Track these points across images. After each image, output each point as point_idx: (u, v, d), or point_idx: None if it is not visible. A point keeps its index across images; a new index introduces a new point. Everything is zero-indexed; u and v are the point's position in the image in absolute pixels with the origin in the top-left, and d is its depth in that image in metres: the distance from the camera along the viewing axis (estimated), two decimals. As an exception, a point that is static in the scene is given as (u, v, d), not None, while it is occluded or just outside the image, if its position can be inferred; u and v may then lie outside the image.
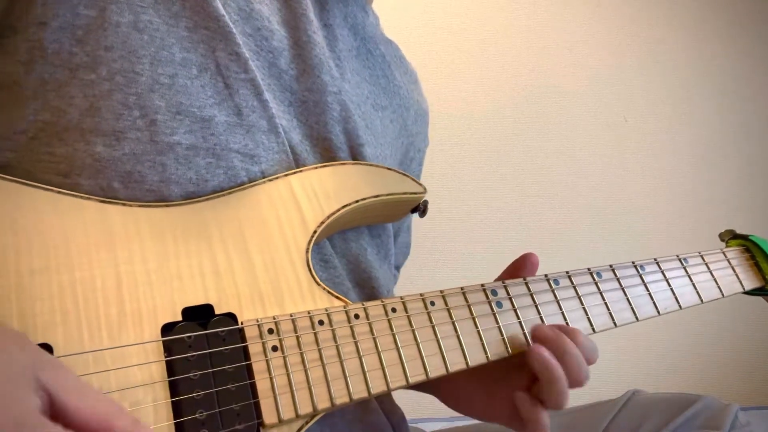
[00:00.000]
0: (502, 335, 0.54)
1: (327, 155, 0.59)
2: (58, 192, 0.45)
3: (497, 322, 0.54)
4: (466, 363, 0.52)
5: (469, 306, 0.54)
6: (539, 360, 0.52)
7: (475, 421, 0.78)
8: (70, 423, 0.33)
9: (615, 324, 0.60)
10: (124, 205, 0.46)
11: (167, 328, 0.44)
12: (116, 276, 0.44)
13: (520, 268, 0.59)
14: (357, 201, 0.56)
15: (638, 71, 1.80)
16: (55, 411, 0.33)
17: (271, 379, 0.45)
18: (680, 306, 0.65)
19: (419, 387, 0.68)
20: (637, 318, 0.61)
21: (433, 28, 1.60)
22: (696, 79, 1.86)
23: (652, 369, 1.63)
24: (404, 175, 0.60)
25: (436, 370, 0.50)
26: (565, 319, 0.57)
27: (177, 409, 0.42)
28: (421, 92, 0.78)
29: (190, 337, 0.44)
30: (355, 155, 0.61)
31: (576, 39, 1.74)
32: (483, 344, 0.53)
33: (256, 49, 0.56)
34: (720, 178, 1.82)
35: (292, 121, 0.57)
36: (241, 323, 0.46)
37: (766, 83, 1.92)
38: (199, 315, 0.45)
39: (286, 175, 0.54)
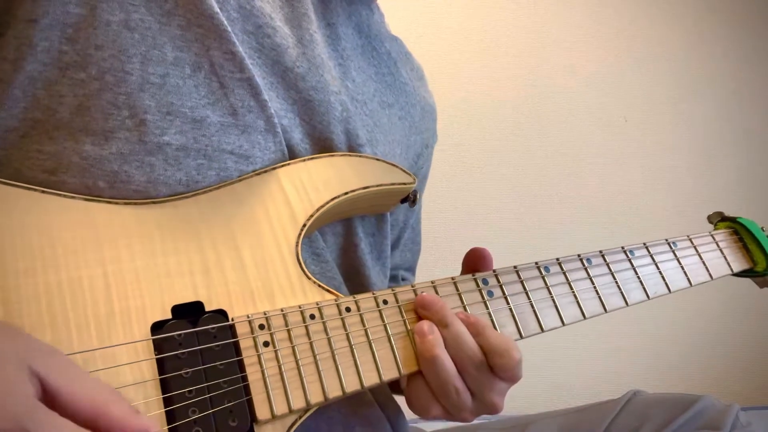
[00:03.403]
0: (493, 324, 0.54)
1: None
2: (42, 191, 0.44)
3: (488, 309, 0.54)
4: None
5: (460, 295, 0.54)
6: (420, 351, 0.50)
7: (476, 422, 0.77)
8: (64, 410, 0.33)
9: (605, 310, 0.60)
10: (109, 203, 0.46)
11: (157, 327, 0.44)
12: (104, 275, 0.43)
13: (473, 262, 0.58)
14: (346, 193, 0.55)
15: (638, 71, 1.79)
16: (48, 398, 0.33)
17: (263, 374, 0.44)
18: (669, 289, 0.65)
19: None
20: (627, 303, 0.61)
21: (433, 28, 1.59)
22: (696, 78, 1.85)
23: (652, 369, 1.63)
24: (393, 165, 0.60)
25: None
26: (555, 305, 0.57)
27: (169, 408, 0.41)
28: (427, 88, 0.77)
29: (180, 334, 0.43)
30: None
31: (576, 39, 1.74)
32: None
33: (258, 47, 0.55)
34: (720, 178, 1.81)
35: (294, 119, 0.57)
36: (232, 319, 0.46)
37: (765, 83, 1.91)
38: (189, 312, 0.45)
39: (273, 168, 0.54)
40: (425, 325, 0.50)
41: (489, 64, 1.64)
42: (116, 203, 0.46)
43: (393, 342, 0.50)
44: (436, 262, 1.48)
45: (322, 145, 0.58)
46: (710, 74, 1.86)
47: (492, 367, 0.50)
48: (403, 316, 0.51)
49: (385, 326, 0.50)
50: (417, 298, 0.51)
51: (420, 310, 0.51)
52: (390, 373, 0.49)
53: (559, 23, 1.73)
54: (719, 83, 1.87)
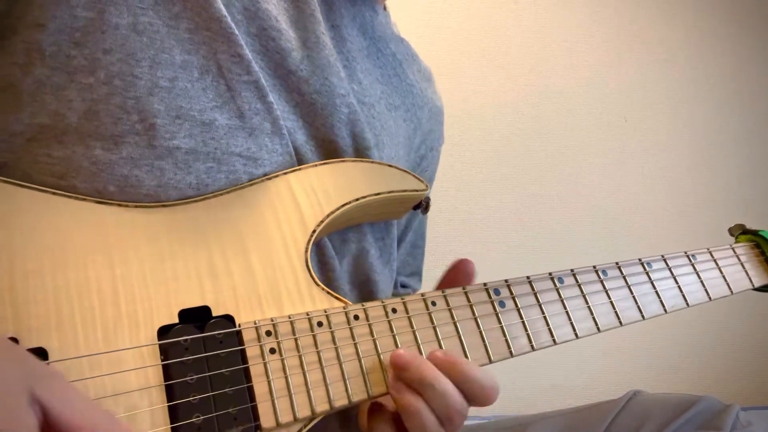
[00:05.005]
0: (504, 336, 0.53)
1: (332, 157, 0.58)
2: (53, 193, 0.44)
3: (500, 322, 0.54)
4: None
5: (471, 306, 0.53)
6: (400, 406, 0.47)
7: (475, 422, 0.77)
8: None
9: (621, 323, 0.59)
10: (119, 205, 0.46)
11: (163, 331, 0.44)
12: (112, 278, 0.43)
13: (456, 277, 0.57)
14: (357, 199, 0.55)
15: (638, 71, 1.79)
16: (48, 425, 0.33)
17: (268, 382, 0.44)
18: (688, 304, 0.64)
19: None
20: (643, 317, 0.60)
21: (432, 28, 1.59)
22: (696, 78, 1.85)
23: (652, 369, 1.63)
24: (405, 171, 0.60)
25: None
26: (569, 318, 0.56)
27: (173, 414, 0.41)
28: (434, 89, 0.77)
29: (186, 340, 0.43)
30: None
31: (576, 39, 1.74)
32: (485, 345, 0.52)
33: (262, 50, 0.55)
34: (720, 178, 1.81)
35: (297, 121, 0.57)
36: (239, 325, 0.45)
37: (765, 83, 1.91)
38: (196, 317, 0.45)
39: (285, 173, 0.54)
40: (409, 399, 0.46)
41: (489, 64, 1.64)
42: (126, 206, 0.46)
43: (402, 352, 0.49)
44: (436, 262, 1.48)
45: (327, 148, 0.58)
46: (710, 74, 1.86)
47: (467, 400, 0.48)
48: (412, 327, 0.51)
49: (393, 336, 0.50)
50: (392, 360, 0.47)
51: (397, 372, 0.47)
52: None
53: (559, 23, 1.73)
54: (719, 83, 1.87)
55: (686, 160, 1.79)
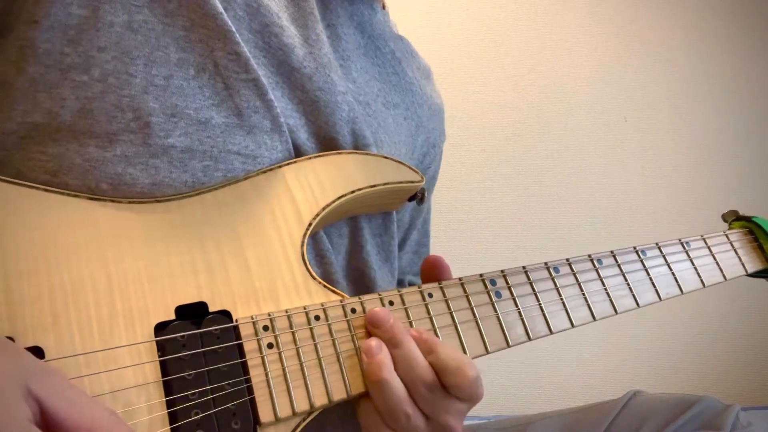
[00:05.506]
0: (501, 326, 0.53)
1: None
2: (45, 190, 0.44)
3: (496, 312, 0.54)
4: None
5: (467, 296, 0.53)
6: (367, 373, 0.46)
7: (475, 422, 0.77)
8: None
9: (616, 311, 0.59)
10: (113, 201, 0.46)
11: (160, 328, 0.43)
12: (107, 275, 0.43)
13: (432, 271, 0.56)
14: (353, 191, 0.55)
15: (638, 71, 1.79)
16: (45, 420, 0.33)
17: (266, 376, 0.44)
18: (682, 291, 0.64)
19: None
20: (638, 304, 0.60)
21: (432, 28, 1.59)
22: (696, 78, 1.85)
23: (652, 369, 1.62)
24: (400, 163, 0.59)
25: None
26: (565, 306, 0.56)
27: (172, 410, 0.41)
28: (434, 87, 0.77)
29: (183, 336, 0.43)
30: None
31: (576, 39, 1.74)
32: (482, 335, 0.52)
33: (264, 47, 0.55)
34: (720, 178, 1.81)
35: (299, 119, 0.56)
36: (236, 320, 0.45)
37: (765, 83, 1.91)
38: (192, 313, 0.45)
39: (279, 166, 0.53)
40: (373, 343, 0.46)
41: (489, 64, 1.64)
42: (120, 202, 0.46)
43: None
44: (436, 262, 1.48)
45: (328, 145, 0.58)
46: (710, 74, 1.86)
47: (446, 387, 0.47)
48: (409, 318, 0.51)
49: None
50: (367, 315, 0.48)
51: (370, 328, 0.48)
52: None
53: (559, 23, 1.73)
54: (719, 83, 1.86)
55: (686, 160, 1.79)
